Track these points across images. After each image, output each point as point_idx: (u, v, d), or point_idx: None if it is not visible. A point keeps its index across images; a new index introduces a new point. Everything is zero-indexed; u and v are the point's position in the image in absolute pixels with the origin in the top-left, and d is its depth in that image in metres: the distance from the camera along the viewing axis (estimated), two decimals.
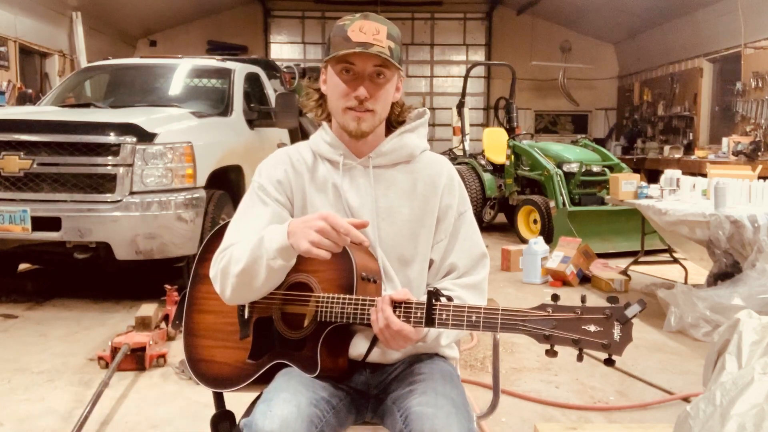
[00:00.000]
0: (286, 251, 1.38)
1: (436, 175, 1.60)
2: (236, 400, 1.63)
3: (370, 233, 1.53)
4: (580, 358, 1.25)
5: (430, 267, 1.61)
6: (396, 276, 1.55)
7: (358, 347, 1.52)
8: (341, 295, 1.43)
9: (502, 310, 1.30)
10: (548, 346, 1.26)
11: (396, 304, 1.37)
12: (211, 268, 1.51)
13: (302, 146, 1.65)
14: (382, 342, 1.41)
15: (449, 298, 1.37)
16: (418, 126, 1.64)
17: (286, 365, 1.48)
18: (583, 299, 1.27)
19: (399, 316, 1.36)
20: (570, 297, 1.20)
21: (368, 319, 1.39)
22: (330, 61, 1.50)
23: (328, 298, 1.43)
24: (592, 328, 1.23)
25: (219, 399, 1.66)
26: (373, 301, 1.40)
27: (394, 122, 1.63)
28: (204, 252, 1.67)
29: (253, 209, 1.56)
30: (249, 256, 1.41)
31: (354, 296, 1.42)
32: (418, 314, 1.36)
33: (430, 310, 1.34)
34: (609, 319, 1.22)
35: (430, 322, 1.35)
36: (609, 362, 1.24)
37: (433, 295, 1.35)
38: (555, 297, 1.29)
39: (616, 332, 1.22)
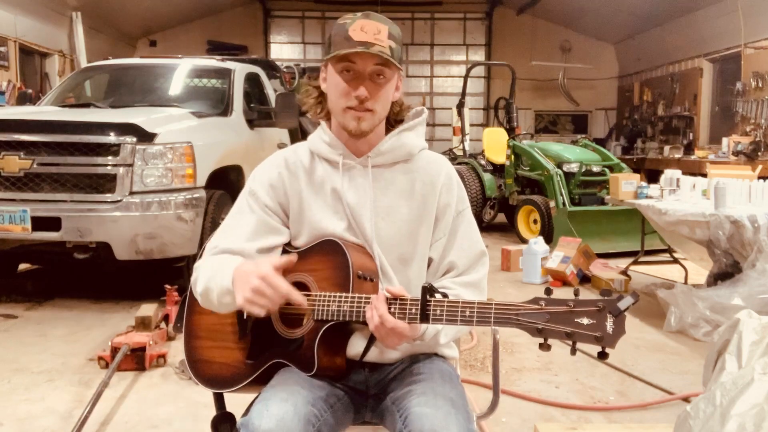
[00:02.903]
0: (231, 294, 1.40)
1: (435, 174, 1.60)
2: (237, 402, 1.63)
3: (369, 232, 1.53)
4: (573, 351, 1.25)
5: (429, 266, 1.60)
6: (395, 275, 1.54)
7: (355, 346, 1.51)
8: (337, 293, 1.43)
9: (496, 304, 1.30)
10: (541, 340, 1.26)
11: (390, 301, 1.37)
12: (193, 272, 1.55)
13: (300, 147, 1.64)
14: (378, 339, 1.41)
15: (444, 294, 1.37)
16: (416, 125, 1.63)
17: (285, 365, 1.48)
18: (576, 293, 1.26)
19: (394, 313, 1.36)
20: (569, 297, 1.20)
21: (364, 317, 1.39)
22: (331, 59, 1.49)
23: (324, 296, 1.43)
24: (585, 320, 1.23)
25: (219, 400, 1.66)
26: (369, 298, 1.40)
27: (392, 121, 1.62)
28: None
29: (240, 217, 1.58)
30: (206, 284, 1.47)
31: (350, 294, 1.42)
32: (413, 311, 1.35)
33: (425, 306, 1.34)
34: (601, 312, 1.22)
35: (424, 318, 1.34)
36: (602, 355, 1.23)
37: (427, 291, 1.34)
38: (548, 291, 1.29)
39: (609, 325, 1.21)
